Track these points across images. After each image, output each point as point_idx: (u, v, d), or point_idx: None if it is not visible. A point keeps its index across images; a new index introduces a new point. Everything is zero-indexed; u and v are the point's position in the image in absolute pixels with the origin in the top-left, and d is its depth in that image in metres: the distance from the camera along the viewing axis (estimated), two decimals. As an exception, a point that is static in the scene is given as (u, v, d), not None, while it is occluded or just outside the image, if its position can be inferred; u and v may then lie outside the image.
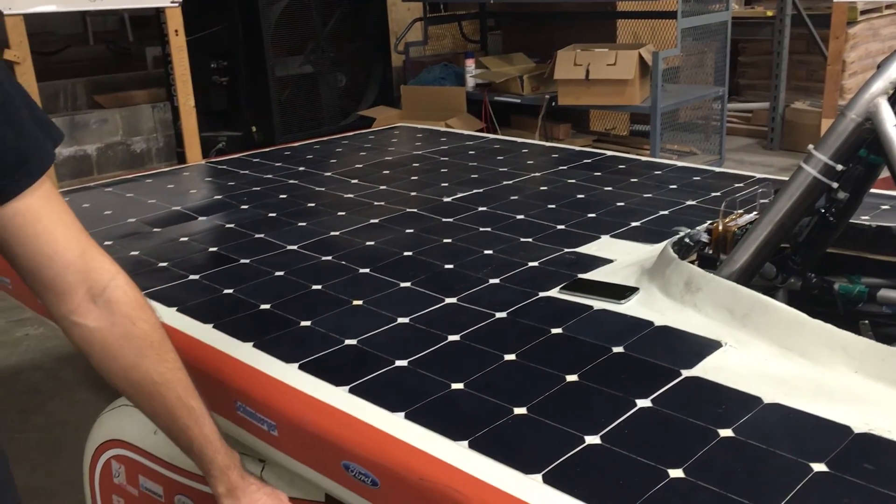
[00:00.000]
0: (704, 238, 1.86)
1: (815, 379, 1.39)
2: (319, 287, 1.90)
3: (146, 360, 1.13)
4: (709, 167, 2.83)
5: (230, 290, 1.91)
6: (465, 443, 1.28)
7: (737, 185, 2.51)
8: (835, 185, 1.54)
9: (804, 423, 1.28)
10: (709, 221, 1.89)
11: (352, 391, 1.46)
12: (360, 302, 1.81)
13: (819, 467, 1.17)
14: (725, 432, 1.26)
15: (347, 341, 1.63)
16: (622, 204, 2.38)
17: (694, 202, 2.37)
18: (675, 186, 2.54)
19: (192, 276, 2.00)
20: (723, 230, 1.79)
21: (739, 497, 1.12)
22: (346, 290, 1.87)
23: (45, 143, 1.02)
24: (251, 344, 1.64)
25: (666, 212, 2.29)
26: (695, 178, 2.63)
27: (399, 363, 1.54)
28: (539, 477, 1.19)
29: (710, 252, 1.83)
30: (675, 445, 1.25)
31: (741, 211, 1.88)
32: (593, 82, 4.85)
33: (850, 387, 1.36)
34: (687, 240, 1.87)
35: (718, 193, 2.42)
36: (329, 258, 2.07)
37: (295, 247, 2.16)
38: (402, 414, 1.38)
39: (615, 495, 1.14)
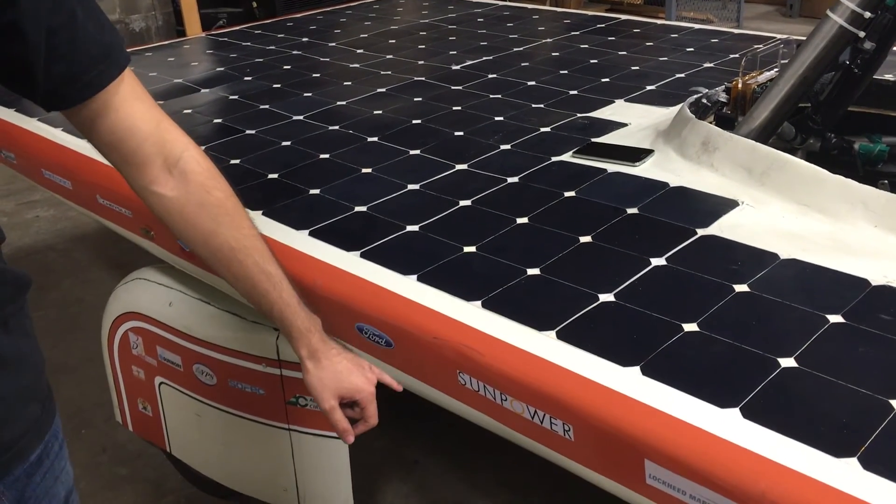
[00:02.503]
0: (722, 98, 1.80)
1: (834, 234, 1.37)
2: (327, 156, 1.86)
3: (222, 227, 1.15)
4: (728, 29, 2.72)
5: (237, 161, 1.87)
6: (479, 302, 1.28)
7: (756, 46, 2.42)
8: (861, 34, 1.47)
9: (821, 277, 1.27)
10: (727, 81, 1.83)
11: (363, 255, 1.45)
12: (368, 170, 1.77)
13: (835, 318, 1.16)
14: (741, 287, 1.25)
15: (357, 208, 1.61)
16: (637, 68, 2.31)
17: (711, 64, 2.29)
18: (692, 49, 2.46)
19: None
20: (742, 88, 1.73)
21: (754, 348, 1.12)
22: (355, 159, 1.83)
23: (119, 36, 1.07)
24: (260, 212, 1.62)
25: (682, 74, 2.22)
26: (713, 41, 2.53)
27: (410, 228, 1.52)
28: (553, 333, 1.19)
29: (728, 112, 1.78)
30: (690, 301, 1.24)
31: (761, 69, 1.81)
32: (606, -54, 4.64)
33: (870, 241, 1.34)
34: (704, 100, 1.81)
35: (737, 55, 2.34)
36: (336, 128, 2.03)
37: (301, 117, 2.11)
38: (415, 276, 1.37)
39: (629, 349, 1.14)
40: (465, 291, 1.31)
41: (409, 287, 1.34)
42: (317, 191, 1.70)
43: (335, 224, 1.57)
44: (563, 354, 1.15)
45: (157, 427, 1.92)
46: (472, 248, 1.44)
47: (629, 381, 1.08)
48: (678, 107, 1.80)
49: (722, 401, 1.03)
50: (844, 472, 0.91)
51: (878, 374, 1.05)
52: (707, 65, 2.28)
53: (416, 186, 1.68)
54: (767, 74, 1.77)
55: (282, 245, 1.50)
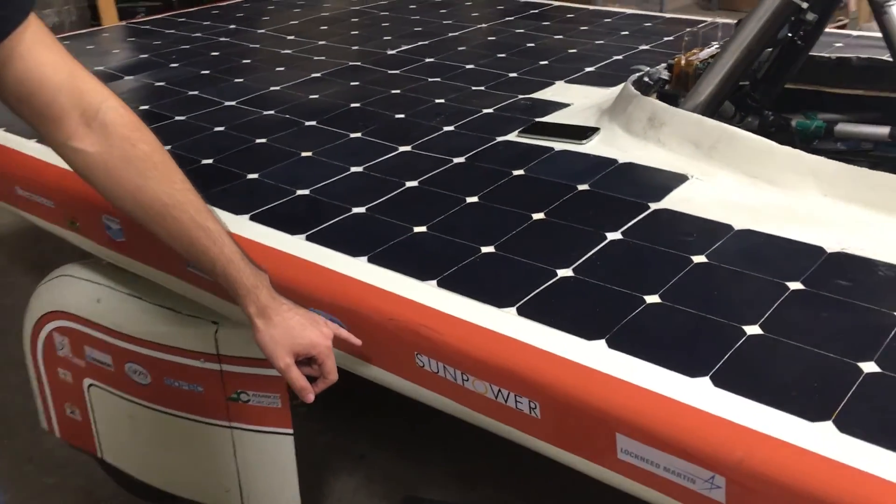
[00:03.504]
0: (665, 76, 1.79)
1: (785, 205, 1.36)
2: (264, 140, 1.79)
3: (151, 182, 1.07)
4: (659, 14, 2.74)
5: (168, 147, 1.77)
6: (434, 282, 1.23)
7: (689, 29, 2.43)
8: (805, 4, 1.48)
9: (776, 247, 1.26)
10: (669, 59, 1.82)
11: (309, 238, 1.38)
12: (309, 153, 1.71)
13: (795, 286, 1.16)
14: (699, 258, 1.24)
15: (299, 191, 1.54)
16: (574, 51, 2.29)
17: (647, 46, 2.29)
18: (626, 33, 2.46)
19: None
20: (685, 65, 1.72)
21: (718, 317, 1.10)
22: (293, 143, 1.76)
23: None
24: (196, 198, 1.54)
25: (620, 56, 2.21)
26: (646, 25, 2.54)
27: (357, 210, 1.46)
28: (513, 310, 1.15)
29: (671, 89, 1.77)
30: (649, 273, 1.21)
31: (702, 47, 1.81)
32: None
33: (821, 210, 1.34)
34: (646, 78, 1.80)
35: (672, 38, 2.35)
36: (271, 112, 1.95)
37: (233, 102, 2.02)
38: (365, 258, 1.31)
39: (593, 322, 1.11)
40: (419, 271, 1.26)
41: (360, 269, 1.28)
42: (255, 175, 1.62)
43: (277, 208, 1.49)
44: (525, 330, 1.11)
45: (86, 432, 1.81)
46: (423, 228, 1.39)
47: (596, 355, 1.05)
48: (620, 86, 1.79)
49: (691, 370, 1.01)
50: (821, 436, 0.90)
51: (843, 337, 1.05)
52: (643, 47, 2.28)
53: (360, 169, 1.62)
54: (709, 51, 1.77)
55: (221, 231, 1.43)
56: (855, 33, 2.32)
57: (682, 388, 0.98)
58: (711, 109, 1.57)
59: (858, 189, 1.33)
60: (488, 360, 1.09)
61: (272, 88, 2.11)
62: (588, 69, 2.12)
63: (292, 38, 2.59)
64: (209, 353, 1.58)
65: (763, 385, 0.97)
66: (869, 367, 0.99)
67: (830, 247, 1.24)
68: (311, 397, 1.19)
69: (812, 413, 0.93)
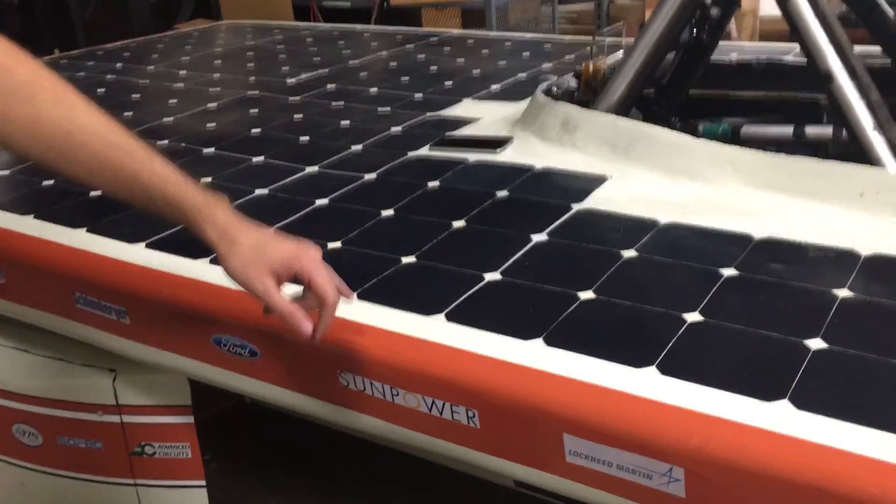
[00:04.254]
0: (573, 84, 1.78)
1: (707, 197, 1.34)
2: (159, 169, 1.67)
3: (45, 108, 0.88)
4: (559, 37, 2.75)
5: (50, 182, 1.64)
6: (355, 295, 1.14)
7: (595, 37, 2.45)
8: (708, 0, 1.48)
9: (704, 237, 1.23)
10: (577, 67, 1.81)
11: (214, 262, 1.27)
12: (208, 179, 1.60)
13: (729, 272, 1.12)
14: (628, 253, 1.19)
15: (200, 216, 1.43)
16: (478, 71, 2.27)
17: (550, 65, 2.28)
18: (528, 54, 2.45)
19: (2, 172, 1.71)
20: (593, 71, 1.71)
21: (657, 307, 1.05)
22: (190, 169, 1.62)
23: None
24: (84, 229, 1.41)
25: (524, 75, 2.19)
26: (546, 46, 2.55)
27: (264, 231, 1.36)
28: (442, 317, 1.07)
29: (581, 96, 1.75)
30: (580, 271, 1.16)
31: (608, 54, 1.80)
32: (425, -22, 4.68)
33: (743, 200, 1.32)
34: (555, 88, 1.78)
35: (573, 56, 2.35)
36: (165, 142, 1.83)
37: (123, 135, 1.89)
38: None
39: (528, 322, 1.04)
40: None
41: (271, 288, 1.18)
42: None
43: (175, 235, 1.37)
44: (457, 335, 1.03)
45: (-30, 503, 1.62)
46: (338, 244, 1.30)
47: (534, 354, 0.98)
48: (528, 100, 1.76)
49: (636, 361, 0.94)
50: (779, 415, 0.85)
51: (785, 318, 1.01)
52: (547, 65, 2.28)
53: (265, 191, 1.53)
54: (615, 56, 1.76)
55: (116, 261, 1.30)
56: (748, 44, 2.38)
57: (629, 379, 0.92)
58: (624, 109, 1.55)
59: (778, 177, 1.31)
60: (419, 370, 1.01)
61: (165, 120, 1.99)
62: (494, 87, 2.09)
63: (185, 72, 2.48)
64: (107, 404, 1.45)
65: (712, 370, 0.92)
66: (816, 343, 0.95)
67: (758, 234, 1.21)
68: (306, 329, 0.95)
69: (766, 393, 0.88)
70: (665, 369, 0.93)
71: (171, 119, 2.00)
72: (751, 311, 1.03)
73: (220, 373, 1.21)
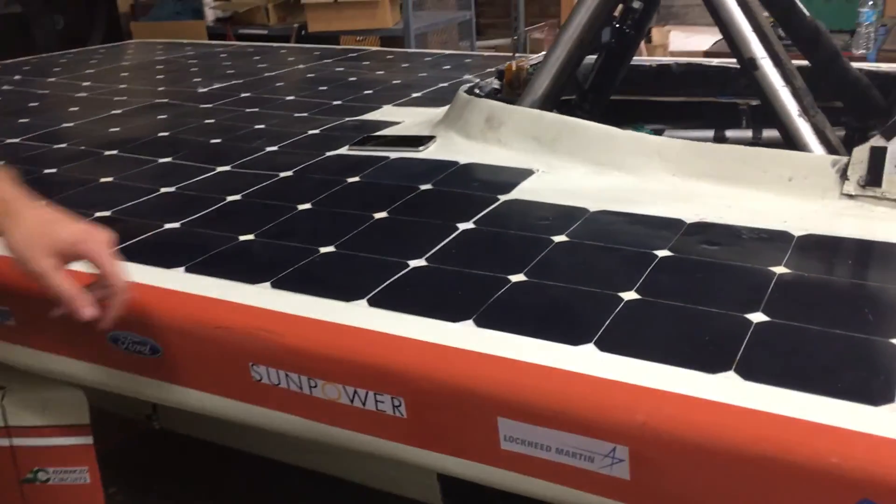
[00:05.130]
0: (496, 84, 1.74)
1: (636, 187, 1.30)
2: (54, 170, 1.54)
3: None
4: (478, 52, 2.73)
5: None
6: (268, 284, 1.05)
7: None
8: (632, -10, 1.47)
9: (636, 223, 1.18)
10: (497, 67, 1.77)
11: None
12: (109, 179, 1.48)
13: (663, 253, 1.07)
14: (560, 238, 1.13)
15: (98, 213, 1.32)
16: (398, 81, 2.22)
17: (471, 76, 2.25)
18: (449, 67, 2.42)
19: None
20: (516, 69, 1.67)
21: (591, 288, 0.99)
22: (90, 170, 1.53)
23: None
24: (-33, 227, 1.27)
25: (445, 84, 2.15)
26: (467, 60, 2.52)
27: (169, 226, 1.26)
28: (364, 302, 0.99)
29: (504, 96, 1.71)
30: (510, 256, 1.10)
31: (530, 55, 1.77)
32: (343, 5, 4.63)
33: (672, 188, 1.28)
34: (477, 90, 1.74)
35: (493, 69, 2.32)
36: (63, 145, 1.71)
37: (17, 140, 1.76)
38: (182, 268, 1.11)
39: (456, 305, 0.97)
40: (249, 276, 1.07)
41: (175, 279, 1.08)
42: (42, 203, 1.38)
43: (71, 231, 1.26)
44: (380, 320, 0.95)
45: None
46: (250, 237, 1.20)
47: (464, 335, 0.91)
48: (448, 106, 1.70)
49: (573, 339, 0.88)
50: (725, 386, 0.79)
51: (723, 294, 0.97)
52: (468, 76, 2.24)
53: (172, 189, 1.42)
54: (536, 57, 1.73)
55: (-1, 258, 1.18)
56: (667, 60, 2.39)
57: (567, 356, 0.85)
58: (550, 104, 1.51)
59: (706, 164, 1.29)
60: (339, 357, 0.92)
61: (64, 125, 1.87)
62: (415, 94, 2.04)
63: (89, 83, 2.35)
64: (-7, 425, 1.31)
65: (653, 344, 0.87)
66: (757, 317, 0.91)
67: (689, 218, 1.18)
68: (85, 312, 0.91)
69: (711, 365, 0.82)
70: (604, 346, 0.87)
71: (70, 124, 1.88)
72: (689, 289, 0.98)
73: (120, 377, 1.10)
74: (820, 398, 0.76)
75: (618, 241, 1.12)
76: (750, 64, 1.27)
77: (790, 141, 1.26)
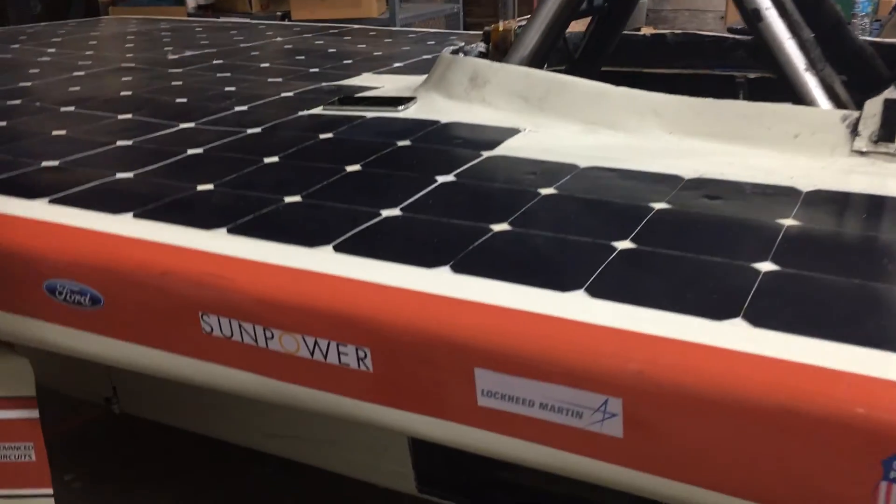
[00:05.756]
0: (482, 48, 1.64)
1: (630, 146, 1.21)
2: (3, 123, 1.43)
3: None
4: (464, 31, 2.64)
5: None
6: (223, 230, 0.95)
7: None
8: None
9: (630, 178, 1.09)
10: (484, 28, 1.68)
11: (53, 202, 1.05)
12: (62, 132, 1.38)
13: (660, 205, 0.98)
14: (547, 190, 1.04)
15: (45, 163, 1.21)
16: (380, 53, 2.12)
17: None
18: (433, 42, 2.32)
19: None
20: (503, 31, 1.58)
21: (581, 237, 0.90)
22: (43, 125, 1.42)
23: None
24: None
25: (428, 56, 2.05)
26: (452, 37, 2.43)
27: (121, 175, 1.15)
28: (329, 248, 0.89)
29: (491, 59, 1.61)
30: (492, 207, 1.00)
31: (517, 18, 1.68)
32: (327, -6, 4.55)
33: (669, 147, 1.19)
34: (462, 54, 1.64)
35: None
36: (17, 102, 1.60)
37: (-32, 96, 1.65)
38: (130, 214, 1.00)
39: (432, 252, 0.87)
40: (203, 222, 0.97)
41: (120, 225, 0.98)
42: (-14, 152, 1.27)
43: (12, 179, 1.15)
44: (346, 265, 0.85)
45: None
46: (209, 186, 1.10)
47: (438, 281, 0.81)
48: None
49: (561, 285, 0.79)
50: (733, 333, 0.70)
51: (727, 245, 0.87)
52: (453, 47, 2.14)
53: (129, 142, 1.32)
54: (524, 18, 1.64)
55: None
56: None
57: (554, 302, 0.76)
58: (537, 62, 1.42)
59: (706, 122, 1.20)
60: (297, 304, 0.82)
61: (21, 84, 1.76)
62: (397, 64, 1.94)
63: (53, 50, 2.23)
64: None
65: (652, 291, 0.77)
66: (766, 266, 0.81)
67: (687, 174, 1.08)
68: None
69: (717, 312, 0.73)
70: (596, 292, 0.77)
71: (28, 83, 1.76)
72: (689, 240, 0.89)
73: (57, 331, 0.99)
74: (840, 345, 0.67)
75: (610, 194, 1.03)
76: (754, 15, 1.18)
77: (796, 96, 1.17)
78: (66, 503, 1.72)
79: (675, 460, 0.70)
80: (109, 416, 1.81)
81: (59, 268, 0.94)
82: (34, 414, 1.26)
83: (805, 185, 1.03)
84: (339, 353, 0.81)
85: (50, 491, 1.29)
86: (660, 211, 0.96)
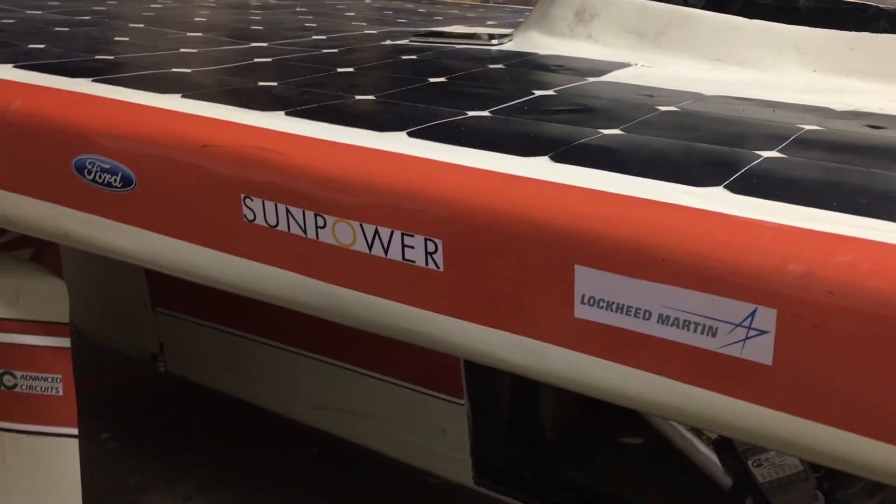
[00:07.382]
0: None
1: (764, 82, 1.02)
2: (64, 29, 1.34)
3: None
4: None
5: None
6: (281, 112, 0.80)
7: None
8: None
9: (767, 106, 0.90)
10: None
11: (97, 81, 0.93)
12: (124, 38, 1.27)
13: (811, 127, 0.79)
14: (667, 108, 0.86)
15: (99, 56, 1.10)
16: (472, 15, 1.98)
17: None
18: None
19: None
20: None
21: (715, 144, 0.72)
22: (106, 34, 1.32)
23: None
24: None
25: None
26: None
27: (177, 70, 1.02)
28: (403, 134, 0.73)
29: None
30: (601, 116, 0.83)
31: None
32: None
33: (812, 85, 1.00)
34: None
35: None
36: (85, 17, 1.50)
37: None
38: (178, 95, 0.87)
39: (529, 144, 0.70)
40: (259, 105, 0.83)
41: (164, 102, 0.84)
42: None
43: (61, 64, 1.04)
44: (421, 148, 0.69)
45: None
46: (273, 83, 0.96)
47: (535, 168, 0.64)
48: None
49: (693, 180, 0.61)
50: (936, 238, 0.51)
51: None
52: None
53: (193, 50, 1.19)
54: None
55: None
56: None
57: (683, 193, 0.58)
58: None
59: (858, 59, 1.01)
60: (355, 182, 0.66)
61: (95, 7, 1.67)
62: (490, 22, 1.79)
63: None
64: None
65: (810, 191, 0.59)
66: (964, 182, 0.62)
67: (839, 107, 0.89)
68: None
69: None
70: (735, 188, 0.59)
71: (102, 7, 1.67)
72: (851, 158, 0.70)
73: (83, 220, 0.85)
74: None
75: (745, 115, 0.85)
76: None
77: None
78: (100, 463, 1.61)
79: (850, 404, 0.51)
80: (154, 376, 1.70)
81: (90, 140, 0.81)
82: (65, 343, 1.14)
83: None
84: (402, 247, 0.64)
85: (75, 431, 1.16)
86: (811, 131, 0.78)
